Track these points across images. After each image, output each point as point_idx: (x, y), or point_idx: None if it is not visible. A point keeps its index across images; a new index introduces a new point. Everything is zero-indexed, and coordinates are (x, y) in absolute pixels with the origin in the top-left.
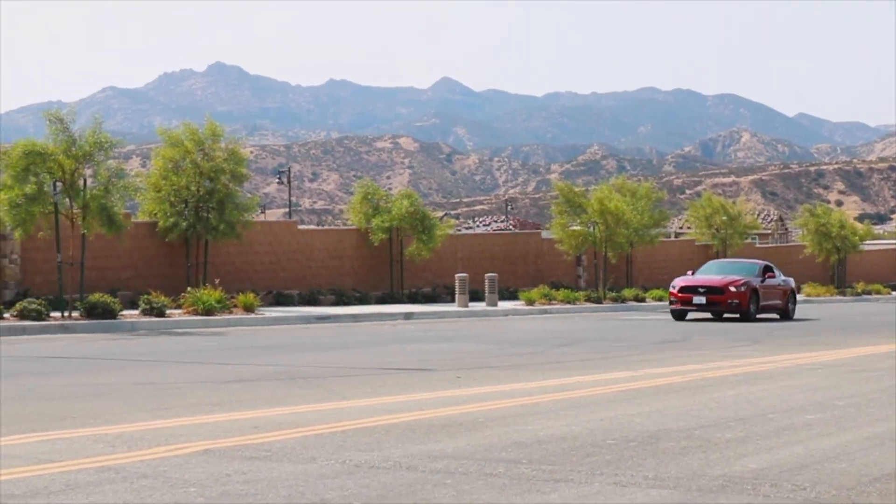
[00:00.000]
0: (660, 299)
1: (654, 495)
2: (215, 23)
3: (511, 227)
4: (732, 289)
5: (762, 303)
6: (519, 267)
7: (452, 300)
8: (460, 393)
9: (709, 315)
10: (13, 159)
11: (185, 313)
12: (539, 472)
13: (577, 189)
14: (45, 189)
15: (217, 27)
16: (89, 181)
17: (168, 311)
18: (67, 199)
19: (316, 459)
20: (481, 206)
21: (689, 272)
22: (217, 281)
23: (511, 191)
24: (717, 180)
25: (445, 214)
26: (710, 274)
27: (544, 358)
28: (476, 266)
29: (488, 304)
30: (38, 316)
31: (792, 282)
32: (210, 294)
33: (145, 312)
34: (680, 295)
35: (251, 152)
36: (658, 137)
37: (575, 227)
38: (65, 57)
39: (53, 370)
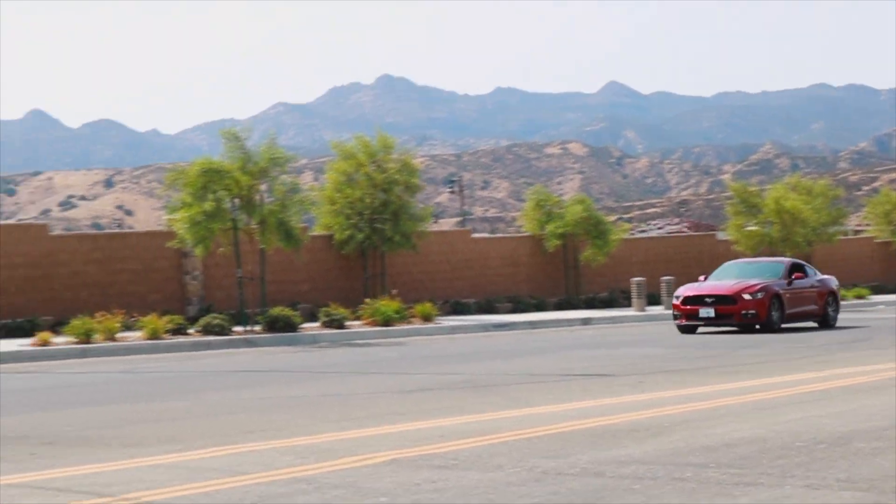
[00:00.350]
0: (842, 298)
1: (847, 497)
2: (382, 35)
3: (685, 228)
4: (746, 296)
5: (789, 310)
6: (695, 269)
7: (629, 305)
8: (644, 398)
9: (724, 328)
10: (191, 178)
11: (364, 324)
12: (728, 475)
13: (751, 189)
14: (224, 206)
15: (384, 39)
16: (265, 197)
17: (347, 323)
18: (245, 215)
19: (503, 467)
20: (654, 209)
21: (702, 277)
22: (394, 291)
23: (683, 193)
24: (894, 175)
25: (618, 218)
26: (724, 278)
27: (726, 361)
28: (652, 269)
29: (666, 308)
30: (222, 331)
31: (833, 282)
32: (388, 305)
33: (325, 324)
34: (684, 307)
35: (422, 163)
36: (831, 134)
37: (751, 228)
38: (236, 74)
39: (239, 384)
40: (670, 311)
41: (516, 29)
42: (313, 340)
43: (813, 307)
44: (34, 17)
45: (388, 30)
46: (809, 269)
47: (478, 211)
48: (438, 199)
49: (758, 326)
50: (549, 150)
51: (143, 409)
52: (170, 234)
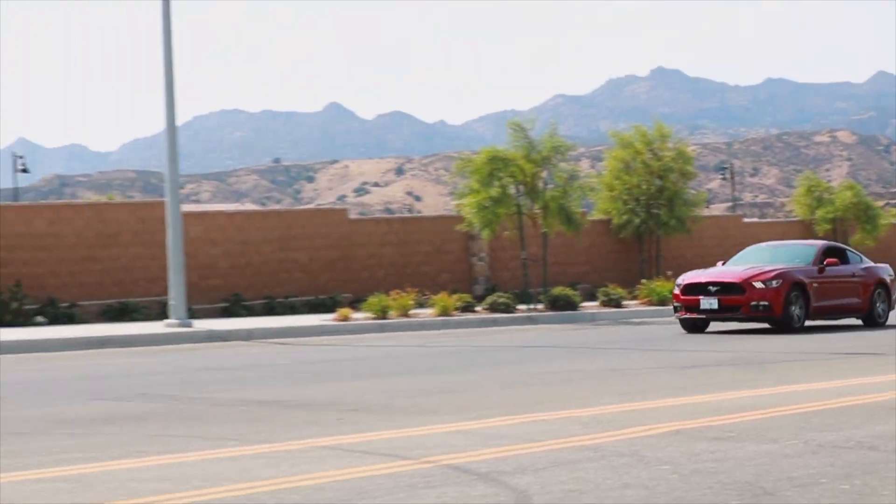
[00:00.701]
0: None
1: None
2: (657, 28)
3: None
4: (758, 284)
5: (818, 303)
6: None
7: None
8: None
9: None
10: (479, 165)
11: (640, 304)
12: None
13: None
14: (508, 192)
15: (658, 32)
16: (547, 183)
17: (624, 302)
18: (529, 201)
19: (778, 440)
20: None
21: (720, 262)
22: (669, 273)
23: None
24: None
25: (886, 204)
26: (741, 264)
27: None
28: None
29: None
30: (506, 308)
31: (885, 271)
32: (664, 285)
33: (604, 304)
34: (684, 297)
35: (694, 151)
36: None
37: None
38: (518, 67)
39: (525, 358)
40: None
41: (787, 20)
42: (592, 319)
43: (853, 300)
44: (331, 14)
45: (663, 22)
46: (853, 254)
47: (747, 197)
48: (710, 186)
49: (771, 324)
50: (818, 139)
51: (437, 380)
52: (458, 219)
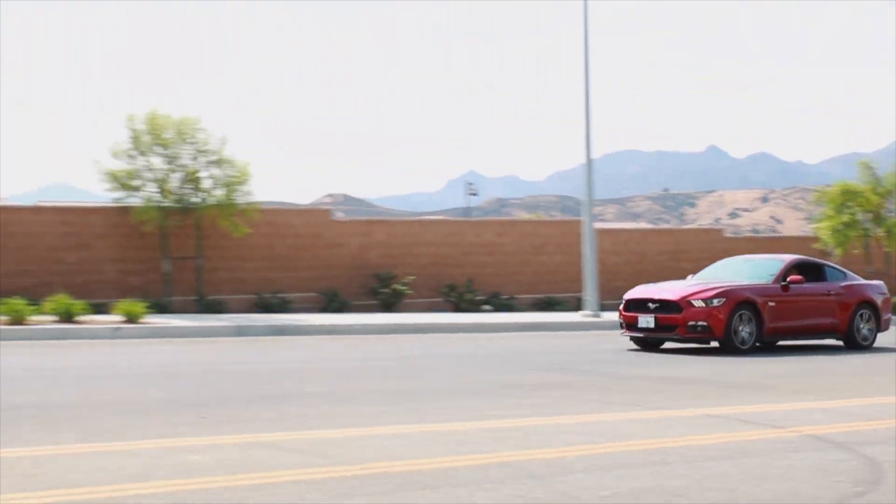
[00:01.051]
0: None
1: None
2: None
3: None
4: (697, 303)
5: (776, 323)
6: None
7: None
8: None
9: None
10: (832, 196)
11: None
12: None
13: None
14: (857, 218)
15: None
16: (890, 212)
17: None
18: (874, 226)
19: None
20: None
21: (689, 276)
22: None
23: None
24: None
25: None
26: (705, 278)
27: None
28: None
29: None
30: None
31: (874, 288)
32: None
33: None
34: (626, 314)
35: None
36: None
37: None
38: (862, 113)
39: (865, 353)
40: None
41: None
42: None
43: (827, 320)
44: (712, 72)
45: None
46: (834, 270)
47: None
48: None
49: (715, 343)
50: None
51: (788, 367)
52: (814, 239)
